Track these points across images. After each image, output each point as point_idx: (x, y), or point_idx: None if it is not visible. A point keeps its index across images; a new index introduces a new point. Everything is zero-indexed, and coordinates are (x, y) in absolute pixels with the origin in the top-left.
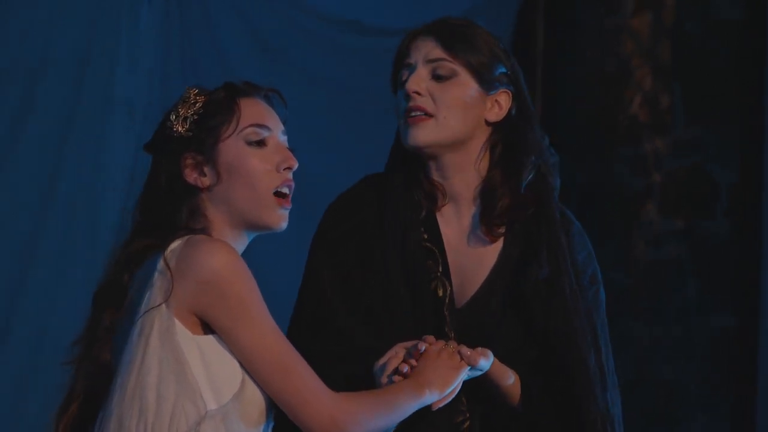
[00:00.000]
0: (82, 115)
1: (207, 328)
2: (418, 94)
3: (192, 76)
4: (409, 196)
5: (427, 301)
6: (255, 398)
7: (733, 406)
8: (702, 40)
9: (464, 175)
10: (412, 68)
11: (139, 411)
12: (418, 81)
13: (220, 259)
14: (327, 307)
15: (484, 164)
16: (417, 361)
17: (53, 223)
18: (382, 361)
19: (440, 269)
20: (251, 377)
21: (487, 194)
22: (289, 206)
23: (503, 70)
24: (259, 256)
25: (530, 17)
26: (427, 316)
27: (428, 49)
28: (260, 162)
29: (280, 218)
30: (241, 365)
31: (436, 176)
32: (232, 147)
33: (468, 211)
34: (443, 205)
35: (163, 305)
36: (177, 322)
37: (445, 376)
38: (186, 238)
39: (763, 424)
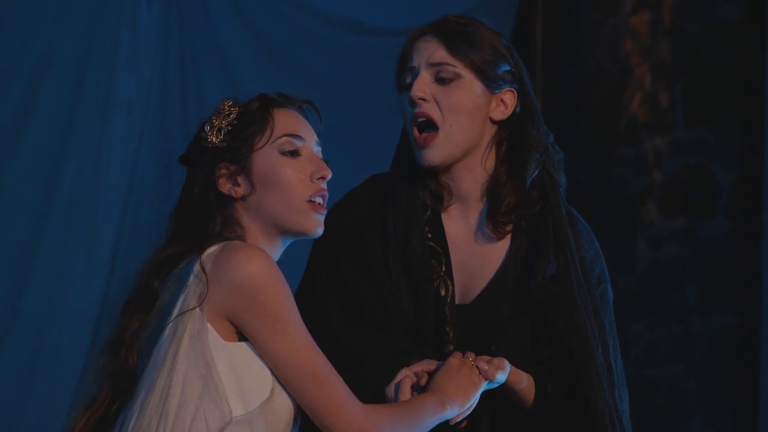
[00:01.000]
0: (83, 116)
1: (241, 335)
2: (423, 100)
3: (192, 77)
4: (414, 196)
5: (428, 300)
6: (283, 407)
7: (734, 406)
8: (702, 39)
9: (471, 174)
10: (415, 72)
11: (161, 412)
12: (422, 86)
13: (256, 265)
14: (320, 308)
15: (491, 162)
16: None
17: (54, 222)
18: (394, 382)
19: (443, 268)
20: (282, 386)
21: (493, 192)
22: (324, 212)
23: (507, 67)
24: None
25: (530, 16)
26: (428, 315)
27: (430, 52)
28: (294, 172)
29: (315, 223)
30: (272, 373)
31: (443, 176)
32: (265, 157)
33: (475, 209)
34: (449, 205)
35: (197, 309)
36: (209, 326)
37: (466, 390)
38: (223, 243)
39: (765, 423)
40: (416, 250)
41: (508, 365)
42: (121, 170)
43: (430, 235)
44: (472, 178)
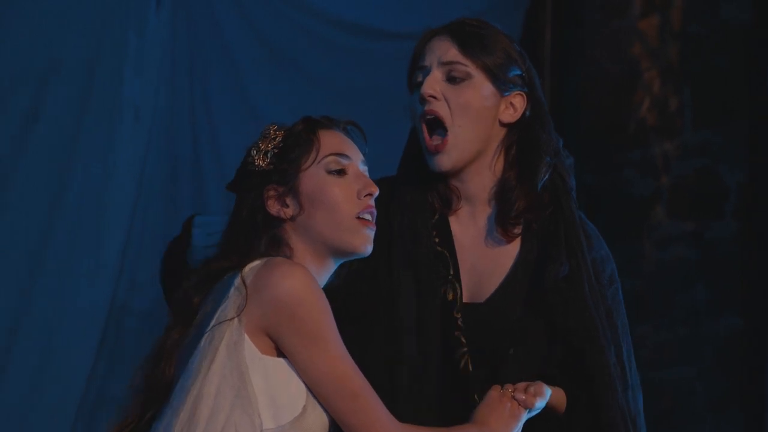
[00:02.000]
0: (91, 119)
1: (279, 351)
2: (434, 97)
3: (199, 81)
4: (422, 199)
5: (435, 305)
6: (315, 425)
7: (742, 408)
8: (710, 42)
9: (480, 178)
10: (426, 71)
11: (192, 419)
12: (433, 84)
13: (296, 280)
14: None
15: (500, 165)
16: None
17: (62, 225)
18: None
19: (451, 272)
20: (315, 404)
21: (502, 196)
22: (373, 228)
23: (518, 71)
24: None
25: (538, 20)
26: (435, 319)
27: (443, 51)
28: (341, 190)
29: (364, 240)
30: (308, 390)
31: (452, 180)
32: (313, 176)
33: (483, 212)
34: (458, 209)
35: (236, 319)
36: (247, 338)
37: (507, 423)
38: (266, 259)
39: None
40: (423, 254)
41: (547, 390)
42: (129, 173)
43: (437, 239)
44: (481, 182)
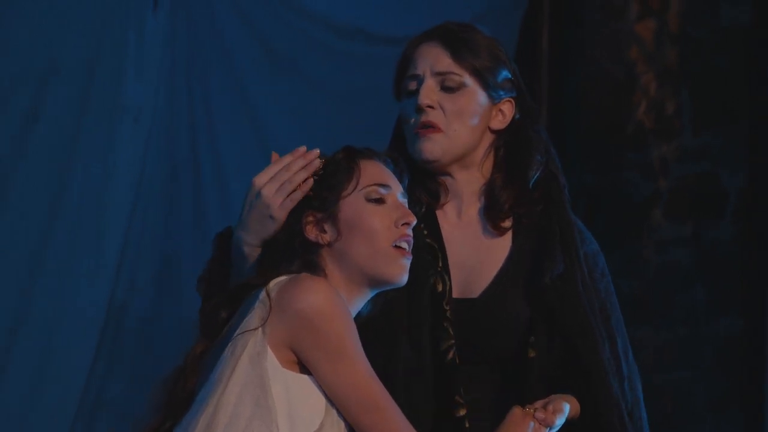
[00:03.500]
0: (90, 122)
1: (301, 366)
2: (431, 107)
3: (198, 82)
4: (410, 191)
5: (425, 296)
6: None
7: (742, 408)
8: (708, 45)
9: (468, 175)
10: (420, 79)
11: (209, 426)
12: (429, 94)
13: (320, 294)
14: None
15: (488, 166)
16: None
17: (61, 227)
18: None
19: (440, 264)
20: (332, 421)
21: (490, 193)
22: (410, 257)
23: (507, 74)
24: None
25: (536, 22)
26: (424, 311)
27: (434, 59)
28: (380, 218)
29: (400, 269)
30: (327, 407)
31: (439, 176)
32: (352, 204)
33: (471, 207)
34: (445, 203)
35: (259, 330)
36: (269, 350)
37: None
38: (293, 275)
39: None
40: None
41: (566, 406)
42: (128, 175)
43: (426, 232)
44: (469, 180)
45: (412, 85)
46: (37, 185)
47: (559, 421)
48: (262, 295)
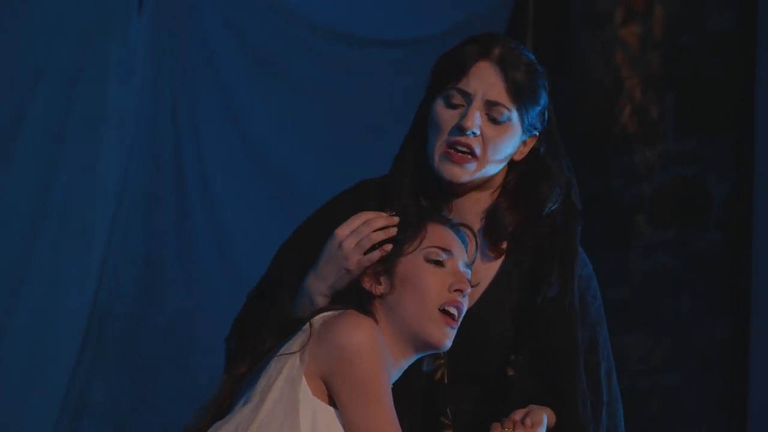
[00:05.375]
0: (74, 127)
1: (331, 399)
2: (474, 134)
3: (183, 88)
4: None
5: None
6: None
7: (728, 414)
8: (693, 50)
9: (479, 197)
10: (469, 99)
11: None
12: (476, 119)
13: (362, 333)
14: (273, 282)
15: (498, 191)
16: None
17: (45, 233)
18: None
19: None
20: None
21: (493, 215)
22: (456, 325)
23: (544, 110)
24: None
25: (520, 29)
26: None
27: (489, 85)
28: (435, 279)
29: (444, 336)
30: None
31: (448, 192)
32: (411, 261)
33: (474, 225)
34: None
35: (297, 357)
36: (304, 378)
37: None
38: (340, 311)
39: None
40: None
41: (545, 418)
42: (112, 179)
43: None
44: (478, 200)
45: (458, 99)
46: (22, 189)
47: None
48: (306, 326)
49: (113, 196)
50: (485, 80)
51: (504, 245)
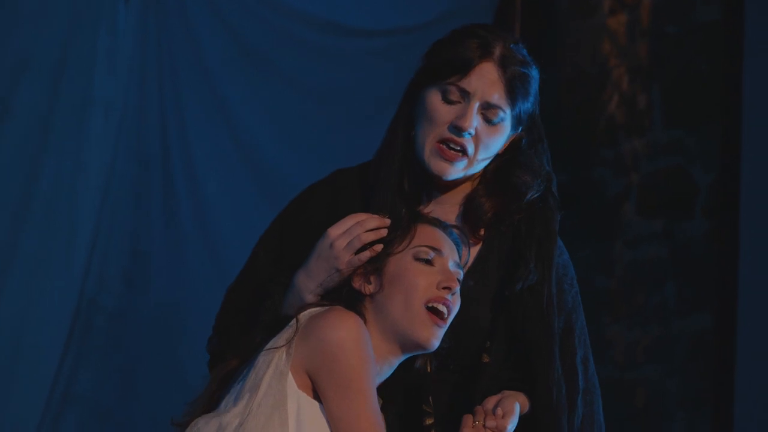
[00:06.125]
0: (60, 116)
1: (316, 393)
2: (471, 135)
3: (169, 78)
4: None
5: None
6: None
7: (713, 406)
8: (680, 40)
9: (461, 187)
10: (467, 98)
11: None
12: (473, 121)
13: (347, 329)
14: (253, 279)
15: (477, 180)
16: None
17: (32, 222)
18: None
19: None
20: None
21: (471, 202)
22: (445, 325)
23: (535, 110)
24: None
25: (507, 18)
26: None
27: (489, 87)
28: (423, 277)
29: (431, 335)
30: None
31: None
32: (400, 260)
33: (451, 213)
34: (425, 209)
35: (284, 351)
36: (290, 372)
37: None
38: (327, 307)
39: (741, 423)
40: None
41: (517, 406)
42: (98, 171)
43: None
44: (459, 190)
45: (456, 96)
46: (8, 179)
47: (511, 426)
48: (293, 321)
49: (100, 186)
50: (486, 81)
51: (482, 232)
